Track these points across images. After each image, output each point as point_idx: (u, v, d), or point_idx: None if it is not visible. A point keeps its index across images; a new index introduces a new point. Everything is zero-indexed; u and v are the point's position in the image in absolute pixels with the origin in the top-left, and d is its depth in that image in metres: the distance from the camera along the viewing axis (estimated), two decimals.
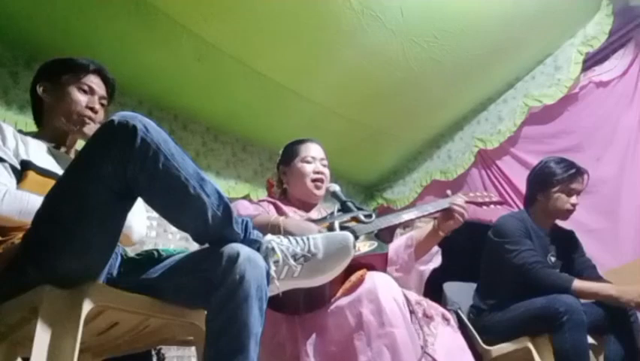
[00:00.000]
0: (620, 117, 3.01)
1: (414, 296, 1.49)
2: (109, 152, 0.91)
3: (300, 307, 1.41)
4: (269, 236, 1.08)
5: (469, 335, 2.18)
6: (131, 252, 1.19)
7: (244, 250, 0.95)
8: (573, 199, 2.19)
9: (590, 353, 1.96)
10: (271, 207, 1.71)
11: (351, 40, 2.77)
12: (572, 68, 3.16)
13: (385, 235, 1.65)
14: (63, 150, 1.37)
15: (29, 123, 2.24)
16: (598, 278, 2.17)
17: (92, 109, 1.37)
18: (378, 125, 3.54)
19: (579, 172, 2.20)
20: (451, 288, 2.49)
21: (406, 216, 1.68)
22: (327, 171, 1.82)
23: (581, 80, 3.20)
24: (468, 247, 2.57)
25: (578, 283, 1.97)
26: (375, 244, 1.53)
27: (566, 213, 2.22)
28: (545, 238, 2.23)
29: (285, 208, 1.71)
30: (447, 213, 1.70)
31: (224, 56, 2.65)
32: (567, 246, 2.28)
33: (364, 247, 1.50)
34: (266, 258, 1.01)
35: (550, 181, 2.20)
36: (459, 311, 2.31)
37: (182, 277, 1.02)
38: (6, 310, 0.97)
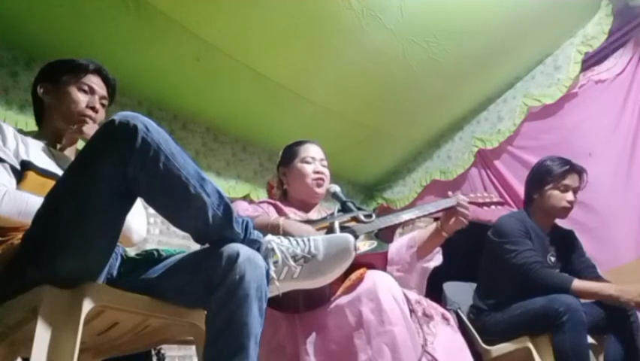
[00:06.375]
0: (615, 115, 3.01)
1: (413, 295, 1.49)
2: (109, 151, 0.91)
3: (300, 305, 1.41)
4: (269, 236, 1.08)
5: (469, 335, 2.18)
6: (131, 252, 1.19)
7: (244, 250, 0.95)
8: (569, 196, 2.17)
9: (590, 353, 1.96)
10: (271, 208, 1.71)
11: (351, 40, 2.77)
12: (572, 68, 3.17)
13: (385, 235, 1.65)
14: (63, 150, 1.37)
15: (29, 123, 2.24)
16: (598, 278, 2.17)
17: (92, 108, 1.36)
18: (378, 125, 3.54)
19: (573, 168, 2.20)
20: (451, 288, 2.49)
21: (406, 215, 1.68)
22: (327, 171, 1.82)
23: (581, 80, 3.20)
24: (468, 247, 2.56)
25: (577, 283, 1.97)
26: (375, 243, 1.53)
27: (563, 211, 2.21)
28: (545, 238, 2.23)
29: (286, 209, 1.71)
30: (449, 212, 1.69)
31: (224, 56, 2.65)
32: (567, 246, 2.28)
33: (364, 246, 1.50)
34: (266, 258, 1.01)
35: (545, 179, 2.20)
36: (459, 311, 2.32)
37: (182, 277, 1.02)
38: (6, 310, 0.97)
